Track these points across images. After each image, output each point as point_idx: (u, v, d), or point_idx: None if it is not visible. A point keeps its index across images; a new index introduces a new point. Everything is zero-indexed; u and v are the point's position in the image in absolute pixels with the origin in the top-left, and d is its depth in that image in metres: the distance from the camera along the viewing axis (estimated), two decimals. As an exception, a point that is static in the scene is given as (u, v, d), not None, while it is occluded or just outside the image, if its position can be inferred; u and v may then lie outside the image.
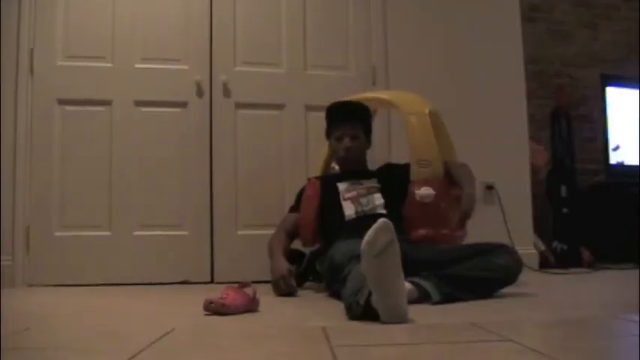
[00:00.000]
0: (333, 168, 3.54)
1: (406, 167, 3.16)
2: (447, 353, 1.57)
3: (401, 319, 1.99)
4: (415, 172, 3.11)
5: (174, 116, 3.79)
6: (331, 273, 2.73)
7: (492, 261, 2.63)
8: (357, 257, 2.28)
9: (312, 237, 3.21)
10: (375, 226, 2.01)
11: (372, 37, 4.05)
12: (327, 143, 3.47)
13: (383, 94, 3.52)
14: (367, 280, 2.01)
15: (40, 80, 3.68)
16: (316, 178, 3.35)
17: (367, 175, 3.24)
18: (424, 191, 2.99)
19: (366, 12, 4.06)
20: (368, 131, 3.34)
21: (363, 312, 2.06)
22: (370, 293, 2.02)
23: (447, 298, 2.45)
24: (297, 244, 3.33)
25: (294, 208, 3.33)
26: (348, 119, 3.26)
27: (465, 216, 2.88)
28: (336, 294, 2.68)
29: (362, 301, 2.06)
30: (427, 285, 2.45)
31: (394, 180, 3.16)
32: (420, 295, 2.43)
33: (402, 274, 2.04)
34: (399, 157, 3.45)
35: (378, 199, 3.09)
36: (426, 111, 3.23)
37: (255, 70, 3.89)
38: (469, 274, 2.56)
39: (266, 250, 3.20)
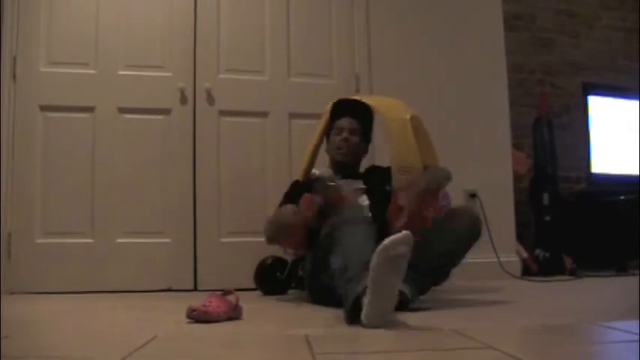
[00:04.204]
0: (314, 174, 3.49)
1: (389, 170, 3.16)
2: (429, 360, 1.58)
3: (381, 324, 2.04)
4: (397, 180, 3.10)
5: (158, 123, 3.78)
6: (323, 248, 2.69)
7: (455, 232, 2.75)
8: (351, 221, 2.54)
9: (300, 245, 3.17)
10: (399, 234, 2.07)
11: (355, 45, 4.07)
12: (308, 149, 3.44)
13: (366, 99, 3.50)
14: (369, 276, 2.05)
15: (23, 87, 3.65)
16: (301, 181, 3.31)
17: (355, 176, 3.23)
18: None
19: (349, 20, 4.08)
20: (366, 135, 3.32)
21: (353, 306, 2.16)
22: (364, 291, 2.09)
23: (423, 291, 2.56)
24: (277, 251, 3.33)
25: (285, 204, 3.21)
26: (350, 114, 3.27)
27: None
28: (320, 290, 2.71)
29: (353, 296, 2.16)
30: (403, 287, 2.46)
31: (379, 182, 3.16)
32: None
33: (399, 285, 2.12)
34: (382, 162, 3.45)
35: (364, 200, 3.10)
36: (408, 117, 3.22)
37: (239, 78, 3.90)
38: (440, 263, 2.69)
39: (247, 258, 3.16)
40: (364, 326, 2.05)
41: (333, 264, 2.47)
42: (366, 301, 2.07)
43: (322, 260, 2.64)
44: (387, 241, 2.06)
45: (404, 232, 2.09)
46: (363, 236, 2.48)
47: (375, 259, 2.05)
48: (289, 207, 3.05)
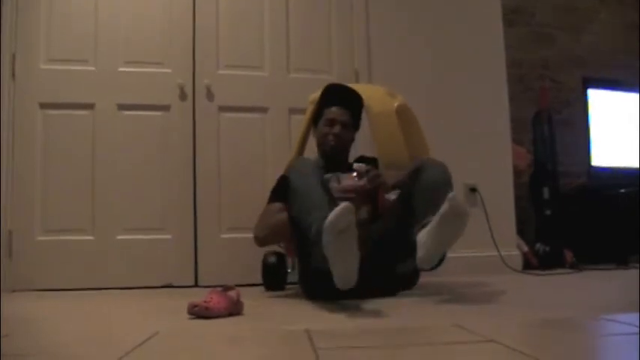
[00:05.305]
0: None
1: (377, 161, 3.14)
2: (431, 355, 1.57)
3: (350, 284, 2.26)
4: (384, 175, 3.05)
5: (157, 120, 3.78)
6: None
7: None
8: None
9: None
10: (338, 208, 2.22)
11: (354, 40, 4.07)
12: (297, 138, 3.40)
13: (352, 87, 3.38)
14: (326, 252, 2.24)
15: (22, 84, 3.66)
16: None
17: (344, 168, 3.19)
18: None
19: (348, 16, 4.08)
20: (356, 124, 3.29)
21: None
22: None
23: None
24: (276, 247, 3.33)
25: (273, 201, 3.19)
26: (344, 105, 3.20)
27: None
28: (312, 286, 2.79)
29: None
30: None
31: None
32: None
33: (356, 248, 2.25)
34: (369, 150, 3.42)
35: None
36: (394, 108, 3.14)
37: (239, 74, 3.90)
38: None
39: (247, 254, 3.14)
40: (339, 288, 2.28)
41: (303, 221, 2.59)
42: (332, 269, 2.26)
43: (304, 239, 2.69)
44: (331, 216, 2.20)
45: (343, 203, 2.23)
46: (315, 183, 2.68)
47: (325, 237, 2.22)
48: (277, 206, 3.06)
